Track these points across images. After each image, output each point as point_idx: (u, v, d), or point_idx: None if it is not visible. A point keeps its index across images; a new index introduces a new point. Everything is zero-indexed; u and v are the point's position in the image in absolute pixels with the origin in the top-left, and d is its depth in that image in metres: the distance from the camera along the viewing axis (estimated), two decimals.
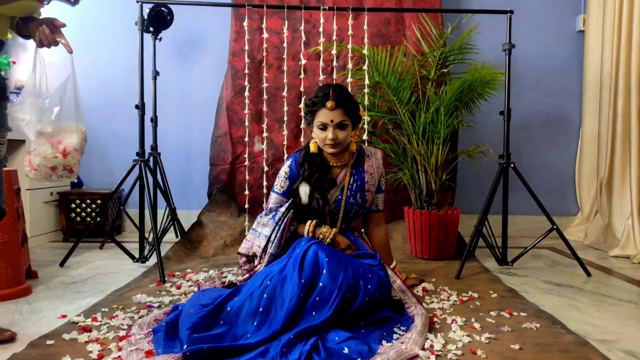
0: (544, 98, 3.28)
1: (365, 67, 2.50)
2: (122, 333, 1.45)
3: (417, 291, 1.93)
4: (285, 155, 2.73)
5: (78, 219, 3.06)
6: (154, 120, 2.82)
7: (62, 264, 2.35)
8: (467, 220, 3.07)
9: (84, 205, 3.07)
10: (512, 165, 2.34)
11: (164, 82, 3.07)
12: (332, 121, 1.75)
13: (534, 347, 1.37)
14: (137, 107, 2.36)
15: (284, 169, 1.88)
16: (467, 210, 3.01)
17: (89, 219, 3.04)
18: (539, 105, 3.28)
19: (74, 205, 3.06)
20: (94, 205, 3.07)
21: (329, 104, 1.74)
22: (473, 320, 1.58)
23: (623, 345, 1.41)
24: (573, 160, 3.30)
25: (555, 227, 2.28)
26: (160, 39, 2.77)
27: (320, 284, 1.46)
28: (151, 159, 2.72)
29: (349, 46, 2.49)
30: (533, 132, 3.28)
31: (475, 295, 1.87)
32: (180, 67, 3.29)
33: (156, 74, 2.80)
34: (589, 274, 2.22)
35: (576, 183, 3.28)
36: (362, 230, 2.11)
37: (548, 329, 1.51)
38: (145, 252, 2.41)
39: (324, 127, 1.77)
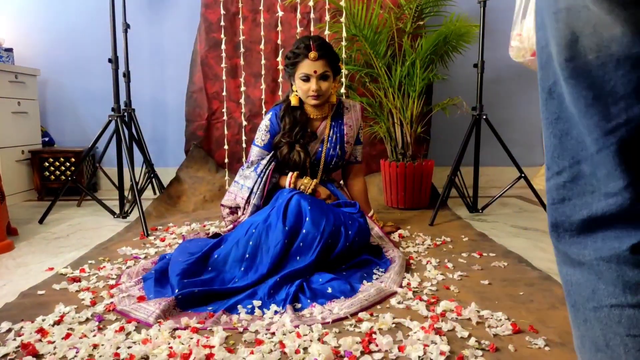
0: None
1: (342, 20, 2.49)
2: (111, 282, 1.50)
3: (394, 237, 2.03)
4: (264, 110, 2.73)
5: (52, 177, 3.02)
6: (127, 75, 2.76)
7: (41, 221, 2.34)
8: (440, 172, 3.18)
9: (57, 163, 3.02)
10: (484, 117, 2.42)
11: (135, 36, 2.98)
12: (315, 72, 1.77)
13: (502, 282, 1.49)
14: (110, 60, 2.30)
15: (265, 122, 1.91)
16: (440, 162, 3.11)
17: (63, 177, 3.00)
18: (511, 59, 3.34)
19: (47, 164, 3.01)
20: (68, 164, 3.02)
21: (312, 54, 1.75)
22: (446, 261, 1.69)
23: None
24: None
25: (523, 175, 2.40)
26: None
27: (304, 231, 1.52)
28: (125, 115, 2.68)
29: None
30: (505, 86, 3.36)
31: (448, 239, 1.98)
32: (150, 20, 3.19)
33: (127, 26, 2.71)
34: None
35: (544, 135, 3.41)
36: (342, 181, 2.18)
37: (515, 267, 1.63)
38: (125, 209, 2.42)
39: (307, 79, 1.79)
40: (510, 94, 3.37)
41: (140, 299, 1.35)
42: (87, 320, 1.23)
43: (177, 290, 1.33)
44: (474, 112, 2.44)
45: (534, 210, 2.61)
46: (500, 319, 1.21)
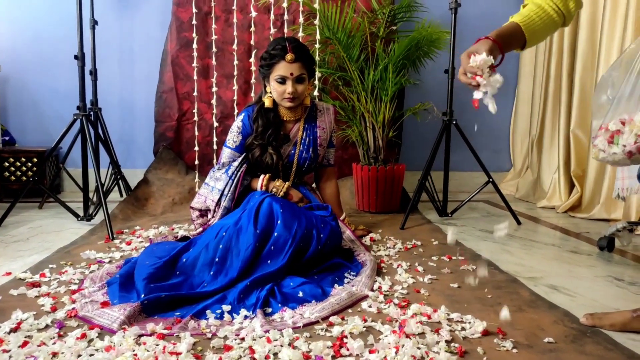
0: None
1: (316, 22, 2.48)
2: (73, 287, 1.44)
3: (365, 241, 2.03)
4: (236, 112, 2.70)
5: (12, 178, 2.89)
6: (94, 73, 2.68)
7: None
8: (411, 176, 3.21)
9: (18, 163, 2.89)
10: (454, 122, 2.46)
11: (103, 33, 2.89)
12: (291, 74, 1.75)
13: (471, 285, 1.51)
14: (76, 57, 2.23)
15: (237, 124, 1.88)
16: (411, 167, 3.14)
17: (24, 178, 2.88)
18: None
19: (7, 164, 2.88)
20: (29, 164, 2.90)
21: (289, 56, 1.74)
22: (417, 264, 1.70)
23: (547, 281, 1.58)
24: (508, 119, 3.50)
25: (491, 180, 2.45)
26: None
27: (275, 234, 1.50)
28: (91, 114, 2.59)
29: None
30: (473, 92, 3.42)
31: (419, 243, 2.00)
32: (119, 17, 3.10)
33: (94, 23, 2.64)
34: (519, 223, 2.42)
35: (510, 141, 3.50)
36: (314, 184, 2.17)
37: (483, 270, 1.66)
38: (90, 211, 2.34)
39: (282, 81, 1.77)
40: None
41: (104, 304, 1.30)
42: (47, 327, 1.17)
43: (143, 295, 1.29)
44: (444, 117, 2.47)
45: (501, 214, 2.66)
46: (470, 322, 1.22)
